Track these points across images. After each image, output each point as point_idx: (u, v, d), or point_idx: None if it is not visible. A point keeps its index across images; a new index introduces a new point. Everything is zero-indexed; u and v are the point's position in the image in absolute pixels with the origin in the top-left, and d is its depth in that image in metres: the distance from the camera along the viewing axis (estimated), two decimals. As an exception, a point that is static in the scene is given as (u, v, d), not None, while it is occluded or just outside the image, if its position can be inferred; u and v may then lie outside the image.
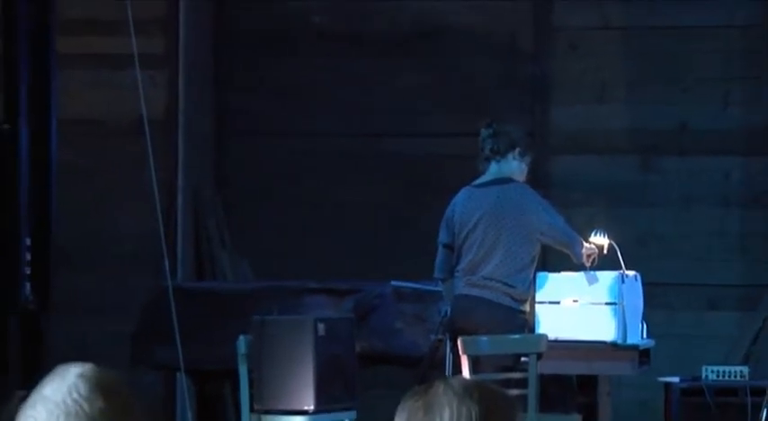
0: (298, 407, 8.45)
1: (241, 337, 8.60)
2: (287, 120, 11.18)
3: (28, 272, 8.00)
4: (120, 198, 10.16)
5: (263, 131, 11.19)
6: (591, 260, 8.56)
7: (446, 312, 8.85)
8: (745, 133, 10.76)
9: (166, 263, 8.96)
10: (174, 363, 8.98)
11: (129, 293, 10.07)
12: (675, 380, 9.45)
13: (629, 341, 8.56)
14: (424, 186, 10.55)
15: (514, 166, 8.82)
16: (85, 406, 2.22)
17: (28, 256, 7.99)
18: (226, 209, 11.14)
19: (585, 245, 8.59)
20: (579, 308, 8.61)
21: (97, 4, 9.09)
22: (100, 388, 2.25)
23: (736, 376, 9.34)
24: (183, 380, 9.81)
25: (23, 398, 3.96)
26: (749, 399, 8.89)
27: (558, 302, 8.65)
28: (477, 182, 8.84)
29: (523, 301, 8.72)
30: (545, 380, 8.36)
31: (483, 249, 8.69)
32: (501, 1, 11.08)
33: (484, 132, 8.86)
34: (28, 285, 7.95)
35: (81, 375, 2.25)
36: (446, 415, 2.84)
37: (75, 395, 2.20)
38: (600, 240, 8.63)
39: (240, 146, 11.26)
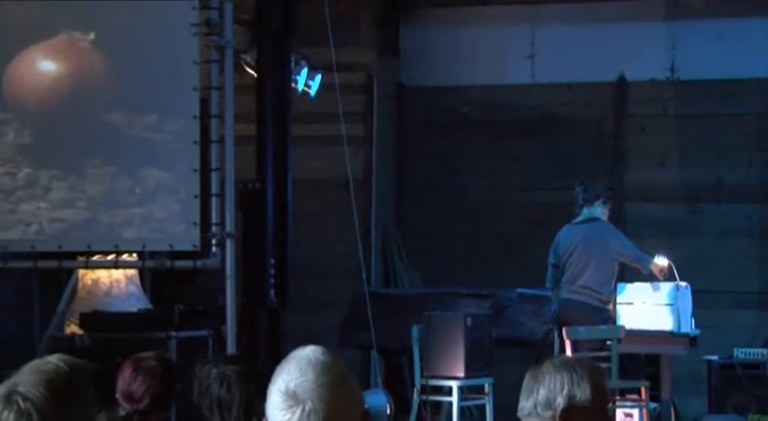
0: (453, 374, 8.40)
1: (414, 327, 8.61)
2: (445, 180, 11.13)
3: (272, 281, 8.08)
4: (333, 231, 10.23)
5: (429, 187, 11.15)
6: (663, 275, 8.53)
7: (554, 310, 8.80)
8: (762, 187, 10.60)
9: (364, 274, 8.98)
10: (368, 344, 9.00)
11: (338, 295, 10.06)
12: (715, 357, 9.31)
13: (683, 330, 8.47)
14: (538, 223, 10.49)
15: (599, 211, 8.77)
16: (322, 358, 2.28)
17: (272, 271, 8.07)
18: (404, 238, 11.16)
19: (654, 262, 8.56)
20: (647, 307, 8.52)
21: (318, 102, 9.19)
22: (328, 352, 2.32)
23: (758, 356, 9.17)
24: (374, 355, 9.86)
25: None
26: (768, 372, 8.77)
27: (632, 303, 8.57)
28: (574, 221, 8.81)
29: (608, 303, 8.65)
30: (623, 357, 8.30)
31: (579, 267, 8.64)
32: (591, 96, 11.02)
33: (578, 188, 8.85)
34: (272, 290, 8.02)
35: (316, 346, 2.33)
36: (546, 380, 2.86)
37: (314, 353, 2.27)
38: (661, 261, 8.56)
39: (414, 196, 11.25)
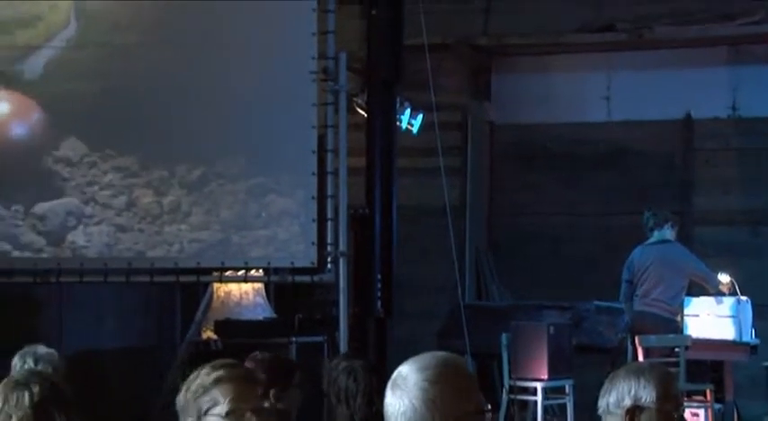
0: (537, 377, 8.35)
1: (504, 335, 8.57)
2: (531, 207, 11.03)
3: (379, 294, 8.10)
4: (433, 252, 10.23)
5: (517, 213, 11.09)
6: (728, 291, 8.46)
7: (627, 321, 8.76)
8: (817, 213, 10.47)
9: (459, 290, 8.99)
10: (463, 349, 8.99)
11: (437, 308, 9.97)
12: (773, 364, 9.17)
13: (744, 339, 8.36)
14: (614, 245, 10.40)
15: (669, 233, 8.71)
16: (443, 357, 2.32)
17: (379, 285, 8.08)
18: (494, 259, 11.16)
19: (721, 281, 8.49)
20: (711, 319, 8.44)
21: (420, 138, 9.26)
22: (454, 357, 2.32)
23: (812, 362, 9.03)
24: (469, 359, 9.85)
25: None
26: (822, 377, 8.59)
27: (698, 315, 8.50)
28: (646, 243, 8.75)
29: (676, 314, 8.57)
30: (690, 363, 8.22)
31: (652, 282, 8.58)
32: (661, 133, 10.92)
33: (647, 213, 8.81)
34: (379, 302, 8.05)
35: (445, 352, 2.35)
36: (618, 383, 2.94)
37: (438, 353, 2.29)
38: (725, 278, 8.48)
39: (503, 221, 11.21)
